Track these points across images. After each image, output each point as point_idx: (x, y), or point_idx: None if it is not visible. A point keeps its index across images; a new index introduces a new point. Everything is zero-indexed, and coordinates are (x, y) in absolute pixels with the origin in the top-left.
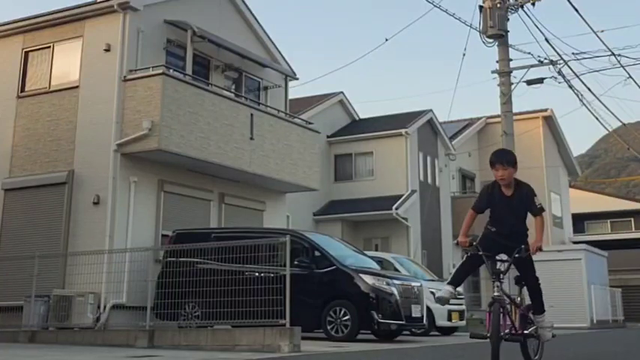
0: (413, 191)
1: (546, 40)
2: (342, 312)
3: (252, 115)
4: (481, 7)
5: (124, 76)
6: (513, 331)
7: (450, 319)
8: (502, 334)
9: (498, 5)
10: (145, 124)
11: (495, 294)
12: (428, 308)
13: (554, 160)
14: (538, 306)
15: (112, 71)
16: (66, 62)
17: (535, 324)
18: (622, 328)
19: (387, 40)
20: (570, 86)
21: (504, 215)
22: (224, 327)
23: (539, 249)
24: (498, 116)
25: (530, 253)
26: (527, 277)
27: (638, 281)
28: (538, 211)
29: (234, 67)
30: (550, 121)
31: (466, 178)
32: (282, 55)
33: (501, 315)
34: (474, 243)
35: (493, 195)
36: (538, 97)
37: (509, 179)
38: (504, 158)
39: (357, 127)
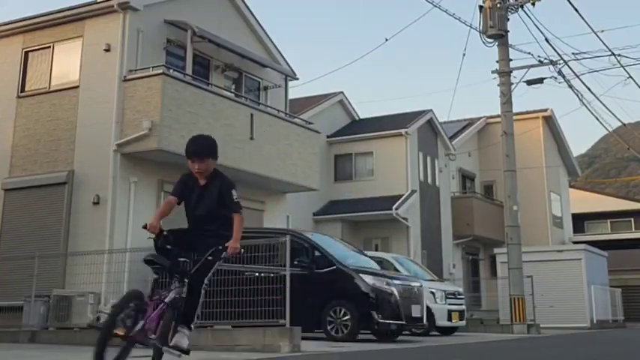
0: (413, 191)
1: (546, 40)
2: (342, 312)
3: (252, 115)
4: (481, 7)
5: (124, 76)
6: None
7: (450, 319)
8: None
9: (498, 5)
10: (144, 124)
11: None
12: (428, 308)
13: (554, 160)
14: (189, 317)
15: (112, 71)
16: (66, 62)
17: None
18: (622, 328)
19: (387, 40)
20: (570, 86)
21: (195, 208)
22: (224, 327)
23: (236, 251)
24: (498, 116)
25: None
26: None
27: (638, 281)
28: (235, 207)
29: (234, 67)
30: (550, 121)
31: (466, 178)
32: (282, 55)
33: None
34: (165, 232)
35: (187, 185)
36: (538, 97)
37: (207, 171)
38: (201, 150)
39: (357, 127)
